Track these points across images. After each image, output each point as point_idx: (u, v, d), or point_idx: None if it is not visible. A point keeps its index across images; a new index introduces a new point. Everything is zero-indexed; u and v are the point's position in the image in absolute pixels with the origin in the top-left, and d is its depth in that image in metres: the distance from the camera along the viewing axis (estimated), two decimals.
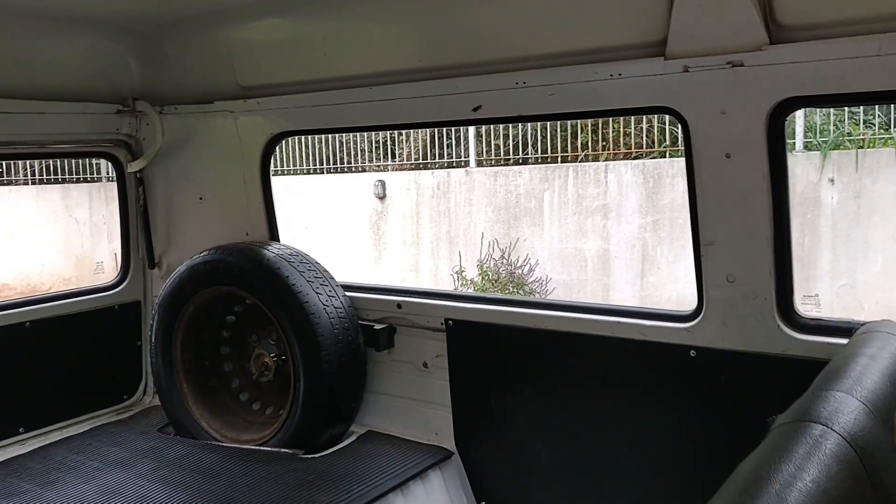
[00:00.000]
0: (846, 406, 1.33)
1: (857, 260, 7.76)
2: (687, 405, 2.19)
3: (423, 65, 2.45)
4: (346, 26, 2.61)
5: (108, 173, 12.53)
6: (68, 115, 2.93)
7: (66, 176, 12.74)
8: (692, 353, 2.17)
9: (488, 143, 9.92)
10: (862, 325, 1.88)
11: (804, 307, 2.11)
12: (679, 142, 8.41)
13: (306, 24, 2.70)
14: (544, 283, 9.01)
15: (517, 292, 8.86)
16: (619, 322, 2.33)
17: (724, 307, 2.09)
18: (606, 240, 8.88)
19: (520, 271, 9.00)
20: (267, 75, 2.86)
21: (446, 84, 2.38)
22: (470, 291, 8.88)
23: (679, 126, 2.05)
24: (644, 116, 8.55)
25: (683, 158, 2.05)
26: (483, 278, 9.18)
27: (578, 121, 8.91)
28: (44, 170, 12.57)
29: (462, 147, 9.98)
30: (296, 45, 2.76)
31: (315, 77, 2.73)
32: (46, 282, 11.63)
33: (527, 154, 9.72)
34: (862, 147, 7.99)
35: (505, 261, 9.14)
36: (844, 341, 1.81)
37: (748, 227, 2.00)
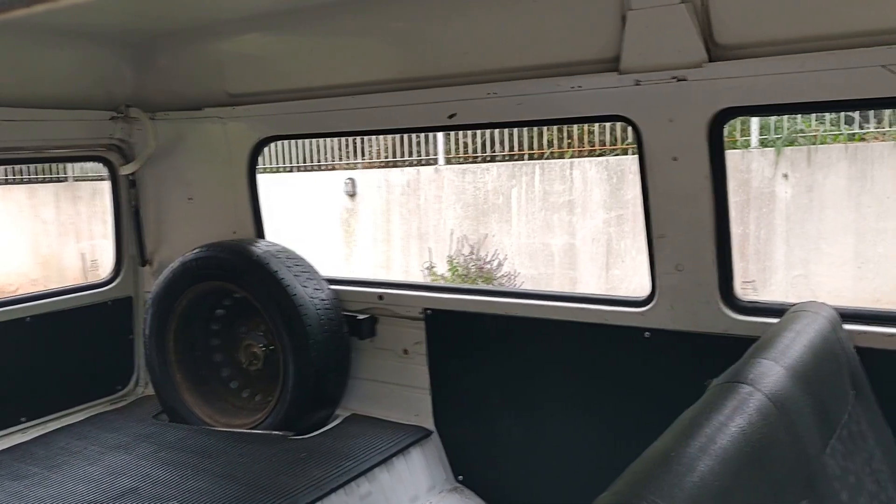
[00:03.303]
0: (771, 371, 1.58)
1: (810, 251, 8.11)
2: (642, 380, 2.46)
3: (401, 76, 2.67)
4: (330, 39, 2.82)
5: (73, 173, 12.53)
6: (66, 122, 3.11)
7: (32, 176, 12.67)
8: (646, 334, 2.43)
9: (457, 142, 10.14)
10: (792, 306, 2.15)
11: (743, 291, 2.37)
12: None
13: (292, 36, 2.90)
14: (513, 277, 9.26)
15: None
16: (582, 308, 2.58)
17: (674, 293, 2.36)
18: (572, 234, 9.16)
19: (489, 266, 9.24)
20: (255, 84, 3.06)
21: (423, 94, 2.61)
22: (446, 283, 9.10)
23: (632, 132, 2.30)
24: None
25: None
26: (453, 273, 9.40)
27: None
28: (9, 170, 12.48)
29: (431, 145, 10.19)
30: (282, 56, 2.96)
31: (300, 86, 2.94)
32: (14, 282, 11.59)
33: (494, 152, 9.95)
34: (814, 143, 8.34)
35: (474, 256, 9.37)
36: (777, 320, 2.07)
37: (694, 222, 2.26)
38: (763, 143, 8.54)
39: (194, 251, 3.16)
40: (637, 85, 2.17)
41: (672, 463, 1.20)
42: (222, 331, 3.36)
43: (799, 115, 8.47)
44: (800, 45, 1.96)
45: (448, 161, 10.13)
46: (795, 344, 1.76)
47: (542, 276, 9.33)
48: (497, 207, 9.58)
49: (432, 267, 9.58)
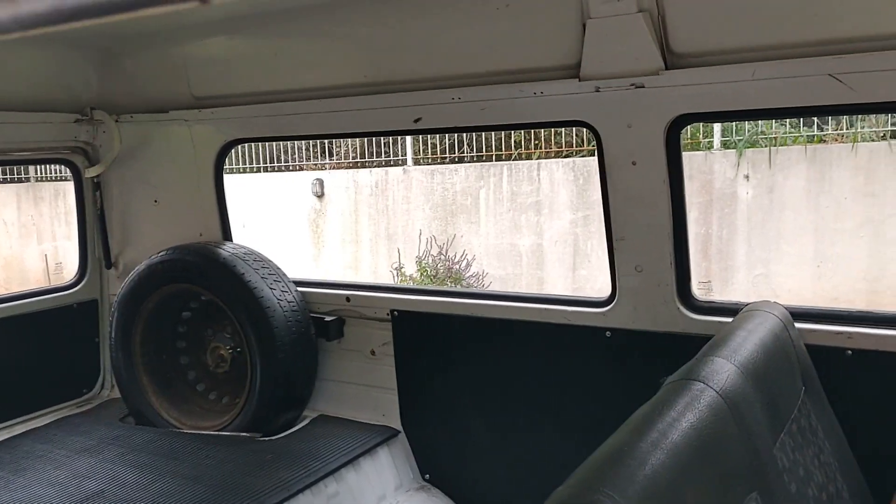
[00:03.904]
0: (723, 368, 1.64)
1: (770, 251, 8.28)
2: (604, 378, 2.52)
3: (367, 80, 2.71)
4: (296, 43, 2.84)
5: (36, 174, 12.34)
6: (30, 124, 3.09)
7: None
8: (608, 333, 2.49)
9: (425, 143, 10.18)
10: (746, 305, 2.23)
11: (699, 291, 2.45)
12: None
13: (258, 39, 2.92)
14: (481, 277, 9.32)
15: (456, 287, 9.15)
16: (546, 308, 2.64)
17: (634, 293, 2.43)
18: (540, 235, 9.25)
19: (457, 267, 9.29)
20: (220, 87, 3.07)
21: (389, 98, 2.64)
22: (413, 284, 9.13)
23: (593, 137, 2.36)
24: None
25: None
26: (422, 274, 9.44)
27: None
28: None
29: (399, 146, 10.22)
30: (248, 59, 2.98)
31: (266, 89, 2.96)
32: None
33: (463, 153, 10.01)
34: (774, 145, 8.52)
35: (443, 257, 9.41)
36: (731, 319, 2.14)
37: (652, 225, 2.33)
38: (725, 145, 8.70)
39: (160, 254, 3.16)
40: (597, 91, 2.23)
41: (625, 457, 1.25)
42: (189, 333, 3.36)
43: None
44: (752, 55, 2.04)
45: (416, 162, 10.17)
46: (747, 342, 1.83)
47: (510, 276, 9.40)
48: (466, 208, 9.64)
49: (401, 268, 9.61)
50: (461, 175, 9.64)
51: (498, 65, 2.41)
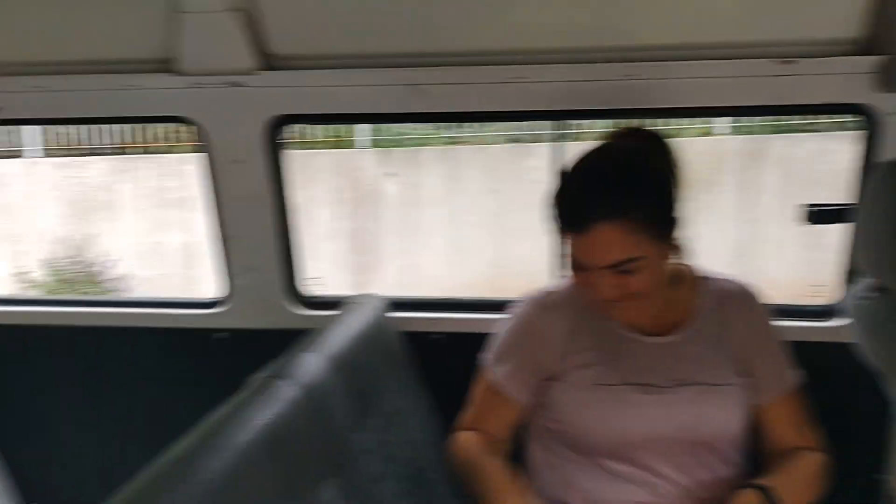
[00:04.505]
0: (310, 363, 1.70)
1: (415, 243, 8.92)
2: (218, 381, 2.46)
3: None
4: None
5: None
6: None
7: None
8: (220, 335, 2.46)
9: (56, 132, 9.17)
10: (351, 298, 2.34)
11: (310, 287, 2.52)
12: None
13: None
14: (126, 280, 8.69)
15: (94, 292, 8.41)
16: (154, 313, 2.52)
17: (245, 292, 2.42)
18: (190, 232, 8.88)
19: (97, 269, 8.54)
20: None
21: None
22: (4, 293, 8.15)
23: (196, 134, 2.29)
24: None
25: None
26: (56, 280, 8.51)
27: None
28: None
29: (14, 135, 9.06)
30: None
31: None
32: None
33: (102, 144, 9.21)
34: (416, 145, 9.18)
35: (80, 259, 8.59)
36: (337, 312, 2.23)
37: (259, 223, 2.34)
38: (374, 144, 9.15)
39: None
40: (195, 88, 2.17)
41: (185, 465, 1.22)
42: None
43: None
44: (345, 61, 2.14)
45: (48, 153, 9.11)
46: (341, 334, 1.92)
47: (158, 276, 8.89)
48: (105, 204, 8.89)
49: (27, 273, 8.54)
50: (99, 168, 8.86)
51: (87, 54, 2.23)
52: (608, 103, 2.05)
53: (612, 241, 1.57)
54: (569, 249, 1.66)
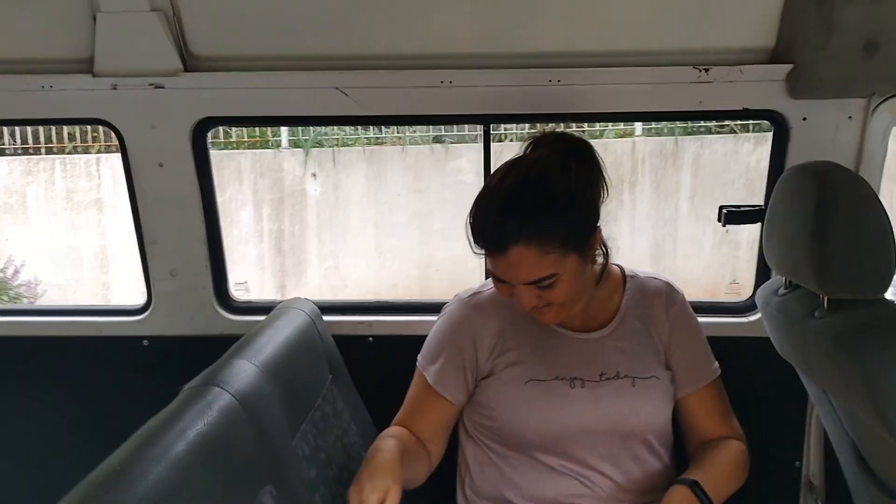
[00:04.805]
0: (242, 370, 1.67)
1: (339, 244, 8.84)
2: (143, 391, 2.39)
3: None
4: None
5: None
6: None
7: None
8: (145, 342, 2.39)
9: None
10: (279, 303, 2.32)
11: (238, 292, 2.48)
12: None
13: None
14: (33, 286, 8.30)
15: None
16: (76, 321, 2.43)
17: (171, 298, 2.36)
18: (104, 236, 8.57)
19: (1, 275, 8.14)
20: None
21: None
22: None
23: (115, 136, 2.22)
24: None
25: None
26: None
27: None
28: None
29: None
30: None
31: None
32: None
33: (4, 144, 8.78)
34: (338, 145, 9.09)
35: None
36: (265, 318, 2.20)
37: (185, 227, 2.29)
38: (293, 144, 9.02)
39: None
40: (114, 89, 2.11)
41: (118, 478, 1.19)
42: None
43: None
44: (267, 63, 2.11)
45: None
46: (272, 340, 1.90)
47: (70, 282, 8.55)
48: (10, 207, 8.48)
49: None
50: (3, 170, 8.44)
51: (1, 52, 2.13)
52: (533, 108, 2.09)
53: (529, 261, 1.61)
54: (489, 264, 1.71)
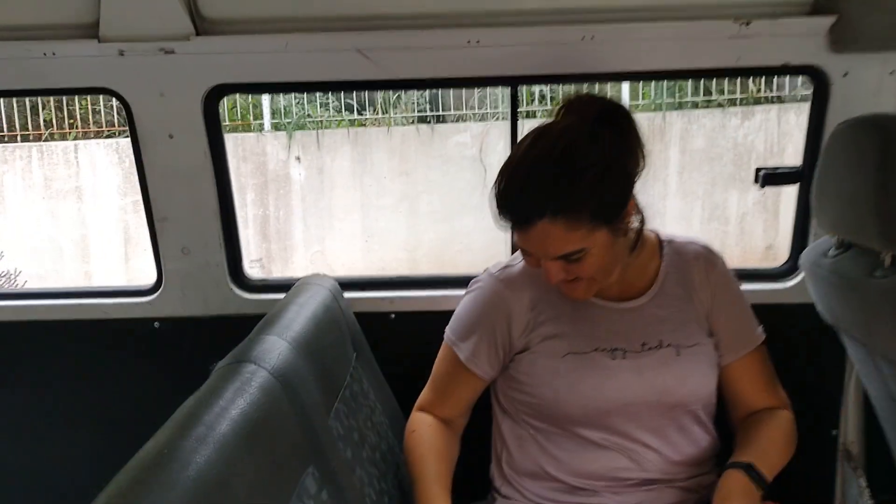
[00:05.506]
0: (275, 346, 1.58)
1: (324, 228, 8.71)
2: (156, 375, 2.30)
3: None
4: None
5: None
6: None
7: None
8: (156, 324, 2.28)
9: None
10: (298, 280, 2.22)
11: (252, 270, 2.38)
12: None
13: None
14: (12, 277, 8.09)
15: None
16: (80, 304, 2.31)
17: (182, 278, 2.25)
18: (84, 224, 8.37)
19: None
20: None
21: None
22: None
23: (123, 107, 2.10)
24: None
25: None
26: None
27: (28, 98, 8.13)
28: None
29: None
30: None
31: None
32: None
33: None
34: (321, 128, 8.94)
35: None
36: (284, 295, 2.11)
37: (197, 203, 2.17)
38: (276, 127, 8.86)
39: None
40: (121, 55, 1.99)
41: (166, 461, 1.10)
42: None
43: (305, 101, 8.99)
44: (284, 25, 2.00)
45: None
46: (299, 317, 1.81)
47: (51, 272, 8.34)
48: None
49: None
50: None
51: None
52: (563, 67, 2.00)
53: (554, 237, 1.53)
54: (515, 237, 1.63)
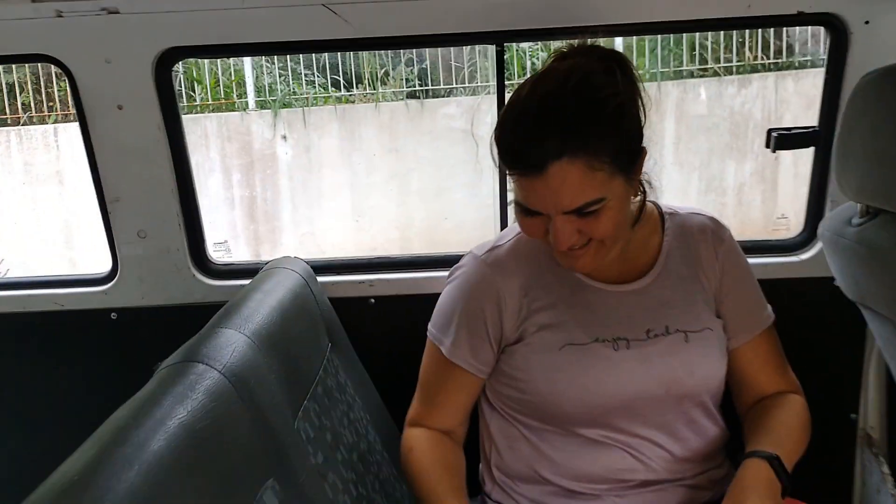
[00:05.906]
0: (231, 341, 1.38)
1: (313, 209, 8.52)
2: (114, 370, 2.11)
3: None
4: None
5: None
6: None
7: None
8: (113, 315, 2.09)
9: None
10: (266, 263, 2.03)
11: (216, 254, 2.18)
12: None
13: None
14: None
15: None
16: (31, 294, 2.12)
17: (139, 264, 2.06)
18: (67, 209, 8.16)
19: None
20: None
21: None
22: None
23: (66, 77, 1.90)
24: None
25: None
26: None
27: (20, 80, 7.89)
28: None
29: None
30: None
31: None
32: None
33: None
34: (307, 105, 8.70)
35: None
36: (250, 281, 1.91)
37: (152, 181, 1.98)
38: (260, 106, 8.63)
39: None
40: (59, 16, 1.78)
41: (79, 489, 0.91)
42: None
43: (290, 78, 8.75)
44: None
45: None
46: (262, 306, 1.62)
47: (31, 259, 8.15)
48: None
49: None
50: None
51: None
52: (555, 21, 1.80)
53: (574, 181, 1.31)
54: (519, 194, 1.40)
